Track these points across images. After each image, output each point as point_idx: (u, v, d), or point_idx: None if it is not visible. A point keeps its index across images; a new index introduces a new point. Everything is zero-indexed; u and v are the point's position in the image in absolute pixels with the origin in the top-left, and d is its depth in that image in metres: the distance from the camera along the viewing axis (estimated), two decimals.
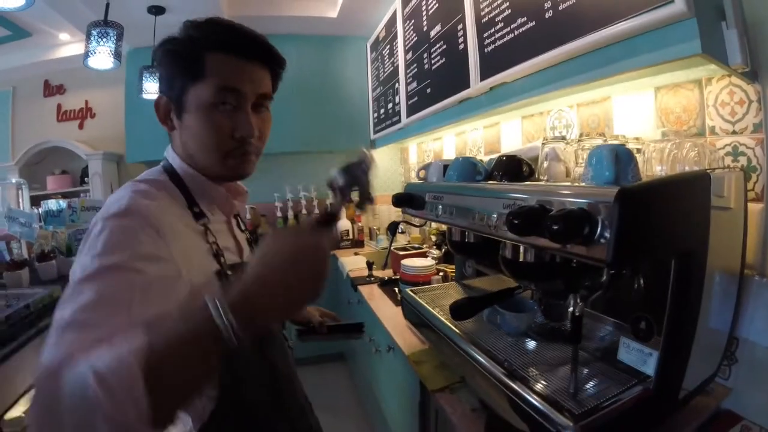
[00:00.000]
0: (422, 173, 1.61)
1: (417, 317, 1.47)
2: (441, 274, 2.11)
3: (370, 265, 2.50)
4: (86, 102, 3.99)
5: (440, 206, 1.20)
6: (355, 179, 0.86)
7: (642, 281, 0.92)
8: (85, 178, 3.75)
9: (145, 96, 2.99)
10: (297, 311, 0.77)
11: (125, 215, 0.69)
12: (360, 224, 3.71)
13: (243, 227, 1.05)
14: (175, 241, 0.73)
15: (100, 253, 0.65)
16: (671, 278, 0.78)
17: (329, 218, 0.77)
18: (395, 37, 2.86)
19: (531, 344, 1.11)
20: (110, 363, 0.49)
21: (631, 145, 0.97)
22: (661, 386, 0.83)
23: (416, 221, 1.52)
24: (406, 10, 2.61)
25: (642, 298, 0.91)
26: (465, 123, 2.30)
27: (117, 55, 2.26)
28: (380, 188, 3.96)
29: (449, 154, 2.91)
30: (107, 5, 2.16)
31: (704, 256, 0.82)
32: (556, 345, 1.08)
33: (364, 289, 2.31)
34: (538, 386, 0.88)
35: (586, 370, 0.94)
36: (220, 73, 0.80)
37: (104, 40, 2.22)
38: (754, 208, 1.06)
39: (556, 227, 0.65)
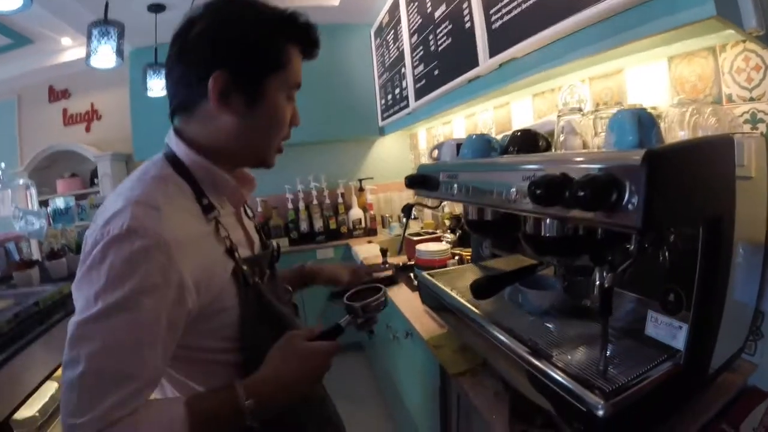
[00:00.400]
0: (435, 153, 1.59)
1: (435, 301, 1.45)
2: (456, 258, 2.09)
3: (384, 252, 2.48)
4: (92, 104, 4.02)
5: (455, 185, 1.16)
6: (370, 317, 0.98)
7: (666, 254, 0.89)
8: (95, 180, 3.78)
9: (150, 94, 2.99)
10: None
11: (128, 238, 0.65)
12: (372, 212, 3.72)
13: (251, 215, 1.02)
14: (186, 250, 0.70)
15: (103, 289, 0.63)
16: (700, 246, 0.76)
17: (336, 333, 0.89)
18: (399, 21, 2.82)
19: (554, 322, 1.08)
20: None
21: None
22: (692, 361, 0.81)
23: (430, 203, 1.49)
24: None
25: (667, 271, 0.88)
26: (475, 104, 2.27)
27: (119, 53, 2.27)
28: (390, 175, 3.98)
29: (460, 137, 2.86)
30: (106, 4, 2.16)
31: (732, 223, 0.80)
32: (580, 322, 1.06)
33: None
34: (565, 364, 0.86)
35: (613, 347, 0.92)
36: (294, 68, 0.83)
37: (105, 38, 2.22)
38: None
39: (582, 193, 0.62)
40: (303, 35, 0.84)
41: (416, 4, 2.47)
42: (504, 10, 1.55)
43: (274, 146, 0.87)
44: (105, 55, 2.24)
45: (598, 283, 0.81)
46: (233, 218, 0.90)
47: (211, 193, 0.82)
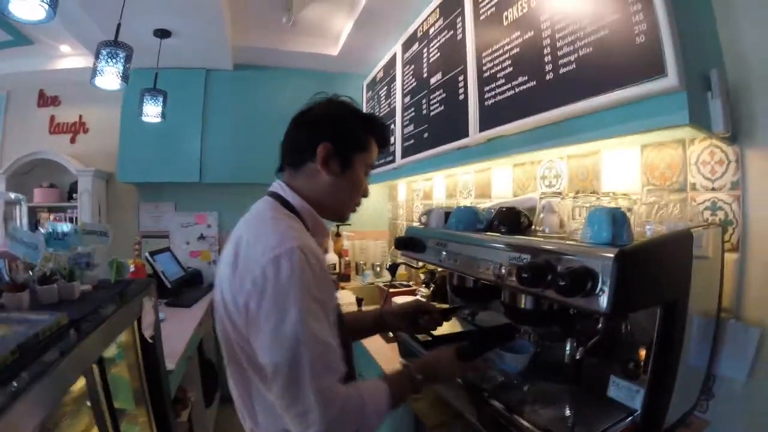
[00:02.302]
0: (423, 219, 1.72)
1: (414, 356, 1.56)
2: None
3: (359, 301, 2.59)
4: (80, 116, 3.99)
5: (444, 252, 1.33)
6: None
7: (629, 326, 1.06)
8: (74, 194, 3.72)
9: (144, 119, 3.01)
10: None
11: (305, 258, 0.90)
12: (347, 258, 3.77)
13: None
14: (324, 262, 0.99)
15: (302, 299, 0.88)
16: (657, 324, 0.93)
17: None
18: (393, 79, 3.02)
19: (527, 383, 1.23)
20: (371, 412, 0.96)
21: (621, 202, 1.13)
22: (648, 419, 0.97)
23: (415, 263, 1.64)
24: (407, 54, 2.77)
25: (628, 340, 1.05)
26: (458, 168, 2.42)
27: (125, 77, 2.31)
28: (368, 224, 4.07)
29: (439, 196, 3.05)
30: (118, 25, 2.22)
31: (686, 303, 0.97)
32: (549, 383, 1.21)
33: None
34: (537, 420, 1.00)
35: (579, 406, 1.07)
36: (371, 153, 1.19)
37: (113, 61, 2.25)
38: (730, 257, 1.21)
39: (563, 283, 0.78)
40: (379, 132, 1.22)
41: (413, 66, 2.66)
42: (498, 90, 1.73)
43: (352, 206, 1.21)
44: (110, 77, 2.28)
45: (568, 353, 0.96)
46: None
47: (313, 233, 1.08)
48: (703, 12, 1.23)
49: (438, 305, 1.80)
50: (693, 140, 1.32)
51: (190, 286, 3.41)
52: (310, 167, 1.11)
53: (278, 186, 1.14)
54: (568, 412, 0.97)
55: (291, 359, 0.87)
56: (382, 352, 1.96)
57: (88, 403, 1.40)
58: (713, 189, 1.27)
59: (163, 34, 2.94)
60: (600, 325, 0.96)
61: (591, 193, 1.24)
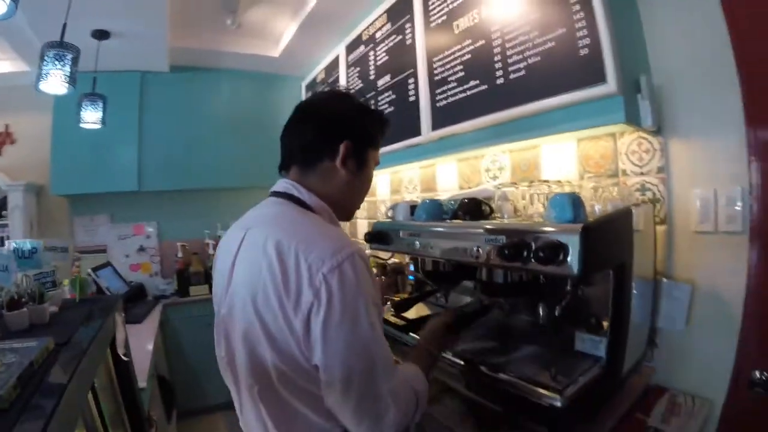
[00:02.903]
0: (390, 213, 1.88)
1: (391, 338, 1.73)
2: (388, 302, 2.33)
3: None
4: (6, 126, 3.74)
5: (417, 242, 1.49)
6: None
7: (584, 291, 1.31)
8: (2, 211, 3.45)
9: (83, 125, 2.90)
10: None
11: (357, 259, 0.89)
12: None
13: None
14: None
15: (368, 304, 0.88)
16: (612, 283, 1.17)
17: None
18: (336, 81, 3.19)
19: (500, 345, 1.46)
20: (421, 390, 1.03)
21: (567, 188, 1.38)
22: (611, 365, 1.21)
23: (384, 255, 1.79)
24: (351, 56, 2.94)
25: (586, 304, 1.30)
26: (404, 164, 2.60)
27: (72, 80, 2.19)
28: None
29: (383, 192, 3.22)
30: (64, 25, 2.11)
31: (631, 266, 1.22)
32: (522, 345, 1.43)
33: None
34: (522, 375, 1.21)
35: (555, 360, 1.29)
36: (379, 150, 1.20)
37: (60, 63, 2.13)
38: (660, 229, 1.50)
39: (542, 255, 0.99)
40: (386, 128, 1.21)
41: (358, 69, 2.84)
42: (450, 93, 1.95)
43: (360, 204, 1.21)
44: (56, 81, 2.15)
45: (543, 315, 1.18)
46: None
47: None
48: (635, 26, 1.50)
49: (396, 297, 2.00)
50: (623, 133, 1.59)
51: (134, 302, 3.33)
52: (325, 166, 1.08)
53: (290, 186, 1.08)
54: (546, 366, 1.19)
55: (365, 368, 0.87)
56: None
57: None
58: (642, 174, 1.54)
59: (101, 35, 2.86)
60: (568, 288, 1.19)
61: (542, 182, 1.46)
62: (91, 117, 2.90)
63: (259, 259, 0.91)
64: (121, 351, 1.63)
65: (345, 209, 1.15)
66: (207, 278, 3.66)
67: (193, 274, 3.66)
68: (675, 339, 1.47)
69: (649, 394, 1.44)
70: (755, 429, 1.26)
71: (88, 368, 1.12)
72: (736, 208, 1.32)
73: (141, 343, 2.44)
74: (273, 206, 1.08)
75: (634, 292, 1.28)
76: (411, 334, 1.57)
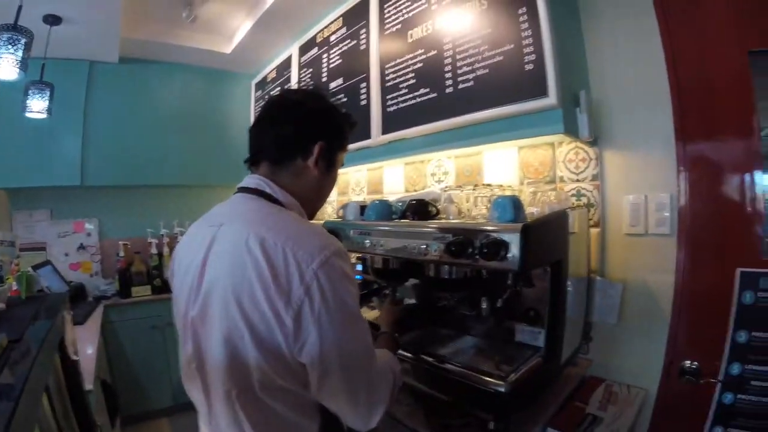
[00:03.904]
0: (340, 212, 1.94)
1: None
2: None
3: None
4: None
5: (368, 240, 1.57)
6: None
7: (522, 288, 1.44)
8: None
9: (29, 115, 2.76)
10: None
11: (346, 253, 0.95)
12: None
13: None
14: None
15: (354, 294, 0.93)
16: (549, 279, 1.31)
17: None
18: (288, 80, 3.25)
19: (445, 339, 1.57)
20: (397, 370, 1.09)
21: (508, 192, 1.51)
22: (550, 352, 1.34)
23: None
24: (304, 58, 3.02)
25: (525, 299, 1.45)
26: (352, 166, 2.72)
27: (24, 66, 2.14)
28: None
29: (360, 200, 3.23)
30: (19, 8, 2.06)
31: (567, 263, 1.35)
32: (464, 339, 1.56)
33: None
34: (468, 365, 1.33)
35: (498, 350, 1.42)
36: (345, 152, 1.21)
37: (13, 47, 2.08)
38: (594, 231, 1.67)
39: (485, 251, 1.11)
40: (352, 129, 1.22)
41: (310, 70, 2.92)
42: (400, 99, 2.07)
43: (323, 204, 1.22)
44: (7, 66, 2.09)
45: (485, 308, 1.30)
46: None
47: None
48: (578, 45, 1.68)
49: None
50: (561, 143, 1.75)
51: (75, 302, 3.23)
52: (298, 164, 1.08)
53: (261, 182, 1.08)
54: (490, 356, 1.31)
55: (359, 354, 0.93)
56: None
57: None
58: (578, 180, 1.71)
59: (54, 20, 2.72)
60: (509, 282, 1.32)
61: (485, 186, 1.60)
62: (37, 106, 2.78)
63: (243, 257, 0.90)
64: (71, 350, 1.62)
65: (310, 208, 1.16)
66: (150, 278, 3.61)
67: (135, 274, 3.58)
68: (609, 333, 1.64)
69: (587, 384, 1.60)
70: (688, 414, 1.41)
71: (43, 365, 1.10)
72: (665, 213, 1.50)
73: (83, 345, 2.37)
74: (246, 202, 1.05)
75: (570, 288, 1.42)
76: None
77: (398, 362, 1.15)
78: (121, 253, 3.65)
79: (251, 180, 1.09)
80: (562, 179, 1.77)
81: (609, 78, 1.64)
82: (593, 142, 1.65)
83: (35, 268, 3.04)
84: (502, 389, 1.19)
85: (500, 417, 1.24)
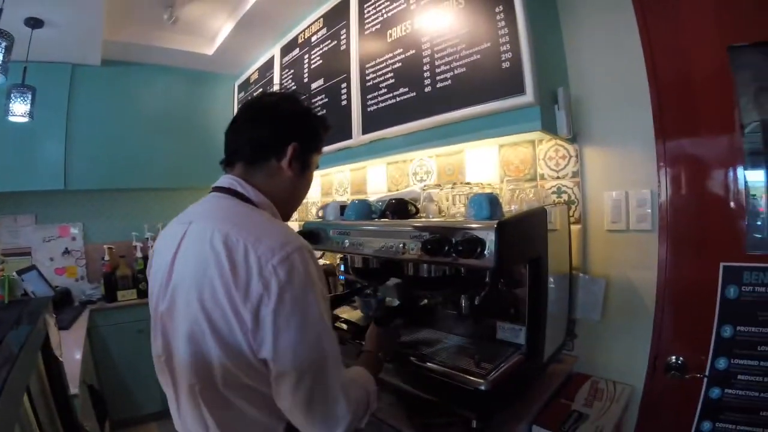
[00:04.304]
0: (320, 213, 1.94)
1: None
2: None
3: None
4: None
5: (347, 240, 1.56)
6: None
7: (503, 286, 1.45)
8: None
9: (11, 119, 2.76)
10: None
11: (303, 250, 0.91)
12: None
13: None
14: None
15: (317, 295, 0.90)
16: (527, 276, 1.31)
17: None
18: (270, 81, 3.24)
19: (426, 338, 1.57)
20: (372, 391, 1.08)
21: (488, 190, 1.50)
22: (531, 351, 1.34)
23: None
24: (286, 59, 3.00)
25: (505, 296, 1.44)
26: (335, 167, 2.70)
27: (4, 70, 2.14)
28: None
29: (314, 194, 3.30)
30: (0, 11, 2.06)
31: (546, 260, 1.35)
32: (447, 336, 1.56)
33: None
34: (448, 363, 1.32)
35: (478, 348, 1.41)
36: (320, 154, 1.24)
37: None
38: (575, 228, 1.67)
39: (461, 248, 1.11)
40: (326, 133, 1.25)
41: (292, 71, 2.91)
42: (380, 98, 2.06)
43: (299, 205, 1.25)
44: None
45: (465, 306, 1.29)
46: None
47: None
48: (556, 43, 1.68)
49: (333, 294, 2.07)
50: (541, 141, 1.75)
51: (60, 307, 3.22)
52: (272, 165, 1.10)
53: (234, 181, 1.09)
54: (470, 354, 1.31)
55: (317, 359, 0.89)
56: None
57: None
58: (558, 177, 1.71)
59: (35, 23, 2.72)
60: (487, 279, 1.32)
61: (464, 184, 1.59)
62: (19, 109, 2.77)
63: (206, 254, 0.91)
64: (58, 353, 1.62)
65: (285, 209, 1.17)
66: (135, 282, 3.58)
67: (120, 278, 3.54)
68: (593, 329, 1.64)
69: (572, 381, 1.60)
70: (674, 409, 1.42)
71: (23, 368, 1.10)
72: (647, 209, 1.50)
73: (69, 350, 2.38)
74: (217, 201, 1.07)
75: (552, 285, 1.42)
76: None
77: (374, 383, 1.12)
78: (106, 257, 3.62)
79: (225, 180, 1.11)
80: (542, 177, 1.77)
81: (588, 74, 1.65)
82: (573, 139, 1.65)
83: (20, 273, 3.03)
84: (483, 387, 1.19)
85: (482, 415, 1.24)
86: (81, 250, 3.83)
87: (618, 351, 1.60)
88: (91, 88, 3.49)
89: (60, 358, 1.62)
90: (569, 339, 1.67)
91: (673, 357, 1.41)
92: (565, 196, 1.70)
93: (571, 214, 1.67)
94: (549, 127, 1.51)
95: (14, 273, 2.97)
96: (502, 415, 1.30)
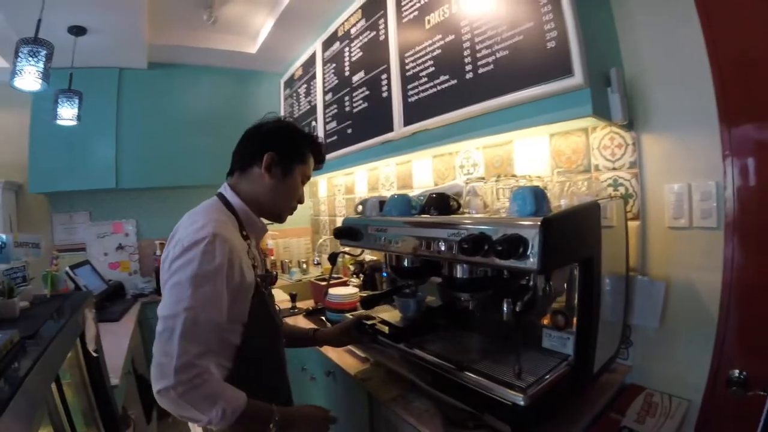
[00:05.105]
0: (359, 208, 1.86)
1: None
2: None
3: (293, 296, 2.70)
4: None
5: (384, 237, 1.48)
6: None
7: (551, 287, 1.28)
8: None
9: (59, 122, 2.89)
10: None
11: (213, 238, 1.11)
12: (272, 258, 3.83)
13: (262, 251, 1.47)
14: (237, 251, 1.18)
15: (197, 270, 1.08)
16: (577, 279, 1.16)
17: None
18: (313, 77, 3.18)
19: (467, 342, 1.44)
20: (230, 404, 1.08)
21: (536, 183, 1.36)
22: (579, 362, 1.20)
23: (355, 251, 1.78)
24: (327, 53, 2.94)
25: (551, 300, 1.28)
26: (380, 161, 2.61)
27: (46, 77, 2.20)
28: (290, 221, 4.13)
29: (361, 189, 3.24)
30: (39, 21, 2.13)
31: (599, 260, 1.20)
32: (490, 342, 1.43)
33: (289, 321, 2.48)
34: (487, 373, 1.20)
35: (521, 357, 1.27)
36: (308, 166, 1.42)
37: (34, 59, 2.15)
38: (633, 225, 1.49)
39: (500, 248, 0.97)
40: (317, 149, 1.45)
41: (334, 65, 2.83)
42: (421, 88, 1.95)
43: (287, 208, 1.41)
44: (30, 78, 2.16)
45: (506, 311, 1.16)
46: (255, 249, 1.39)
47: (248, 230, 1.32)
48: (606, 20, 1.50)
49: (370, 293, 2.00)
50: (595, 128, 1.58)
51: (112, 300, 3.29)
52: (255, 172, 1.33)
53: (224, 188, 1.36)
54: (517, 363, 1.17)
55: (173, 316, 1.06)
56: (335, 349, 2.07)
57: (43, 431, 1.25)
58: (614, 168, 1.54)
59: (78, 31, 2.83)
60: (531, 283, 1.18)
61: (510, 176, 1.46)
62: (67, 113, 2.90)
63: (172, 235, 1.21)
64: (91, 347, 1.63)
65: (271, 211, 1.39)
66: None
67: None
68: (651, 337, 1.47)
69: (625, 393, 1.43)
70: (733, 429, 1.24)
71: (51, 360, 1.14)
72: (712, 203, 1.31)
73: (117, 340, 2.41)
74: (205, 202, 1.34)
75: (607, 288, 1.27)
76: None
77: (236, 412, 1.09)
78: (158, 252, 3.71)
79: (221, 186, 1.39)
80: (597, 168, 1.59)
81: (644, 53, 1.45)
82: (629, 126, 1.47)
83: (73, 267, 3.11)
84: (521, 402, 1.06)
85: (518, 430, 1.11)
86: (134, 246, 3.93)
87: (676, 361, 1.41)
88: (139, 90, 3.59)
89: (93, 353, 1.64)
90: (624, 347, 1.50)
91: (736, 371, 1.20)
92: (621, 189, 1.52)
93: (628, 209, 1.49)
94: (601, 111, 1.35)
95: (67, 268, 3.04)
96: (544, 429, 1.16)
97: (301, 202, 1.45)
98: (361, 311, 1.88)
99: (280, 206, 1.40)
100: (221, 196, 1.34)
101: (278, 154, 1.33)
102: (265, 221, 1.42)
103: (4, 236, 1.72)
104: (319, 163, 1.49)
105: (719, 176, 1.29)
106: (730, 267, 1.27)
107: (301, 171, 1.39)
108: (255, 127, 1.40)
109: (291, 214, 1.45)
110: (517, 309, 1.13)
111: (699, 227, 1.35)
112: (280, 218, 1.42)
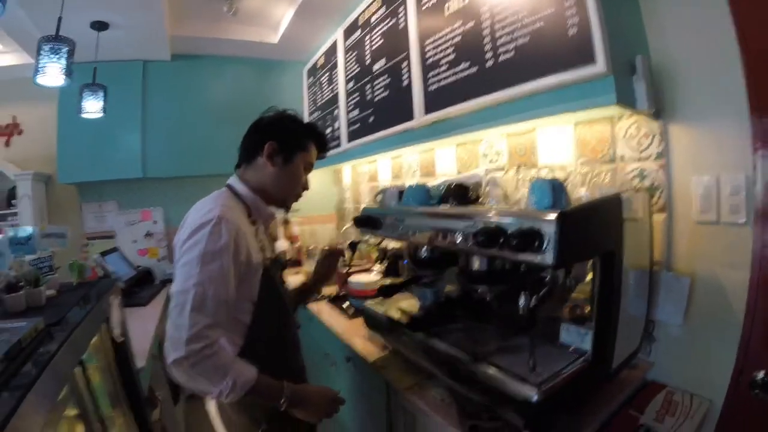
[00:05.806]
0: (378, 198, 1.87)
1: (380, 325, 1.73)
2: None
3: None
4: (13, 117, 3.77)
5: (401, 227, 1.47)
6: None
7: (571, 280, 1.25)
8: (12, 201, 3.55)
9: (84, 115, 2.96)
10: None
11: (219, 221, 1.20)
12: (298, 244, 3.86)
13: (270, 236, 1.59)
14: (245, 235, 1.27)
15: (204, 250, 1.16)
16: (597, 272, 1.12)
17: None
18: (335, 65, 3.15)
19: (483, 334, 1.41)
20: (240, 376, 1.15)
21: (558, 174, 1.31)
22: (597, 358, 1.15)
23: (372, 239, 1.78)
24: (348, 41, 2.91)
25: (570, 295, 1.25)
26: (403, 149, 2.57)
27: (68, 72, 2.23)
28: (315, 208, 4.21)
29: (385, 177, 3.24)
30: (59, 19, 2.15)
31: (621, 254, 1.16)
32: (507, 336, 1.38)
33: (312, 306, 2.54)
34: (502, 367, 1.17)
35: (537, 351, 1.24)
36: (311, 154, 1.49)
37: (56, 56, 2.18)
38: (658, 218, 1.42)
39: (515, 242, 0.94)
40: (318, 138, 1.52)
41: (355, 53, 2.80)
42: (441, 76, 1.90)
43: (292, 195, 1.50)
44: (53, 74, 2.20)
45: (523, 305, 1.13)
46: (263, 234, 1.48)
47: (255, 215, 1.41)
48: (631, 7, 1.42)
49: (392, 280, 1.98)
50: (620, 117, 1.51)
51: (141, 286, 3.33)
52: (259, 162, 1.41)
53: (232, 178, 1.46)
54: (531, 357, 1.13)
55: (183, 291, 1.13)
56: (346, 328, 2.11)
57: (69, 412, 1.31)
58: (640, 159, 1.47)
59: (100, 26, 2.88)
60: (548, 277, 1.14)
61: (530, 167, 1.41)
62: (92, 107, 2.97)
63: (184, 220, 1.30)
64: (116, 332, 1.67)
65: (276, 198, 1.47)
66: None
67: None
68: (674, 333, 1.41)
69: (646, 390, 1.38)
70: None
71: (75, 344, 1.19)
72: (741, 197, 1.24)
73: (144, 324, 2.47)
74: (217, 191, 1.41)
75: (630, 282, 1.23)
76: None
77: (245, 385, 1.16)
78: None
79: (231, 177, 1.47)
80: (622, 158, 1.53)
81: (671, 40, 1.38)
82: (657, 115, 1.40)
83: (104, 254, 3.18)
84: (534, 397, 1.03)
85: (531, 425, 1.09)
86: (162, 233, 3.98)
87: (699, 360, 1.35)
88: (163, 81, 3.64)
89: (117, 339, 1.68)
90: (647, 343, 1.45)
91: (761, 372, 1.14)
92: (648, 181, 1.45)
93: (654, 201, 1.43)
94: (626, 100, 1.29)
95: (96, 255, 3.11)
96: (560, 424, 1.14)
97: (306, 188, 1.52)
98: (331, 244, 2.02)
99: (285, 193, 1.47)
100: (230, 187, 1.43)
101: (279, 143, 1.40)
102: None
103: (30, 228, 1.78)
104: (322, 151, 1.55)
105: (749, 169, 1.21)
106: (758, 265, 1.19)
107: (302, 159, 1.46)
108: (257, 120, 1.48)
109: (296, 200, 1.52)
110: (534, 302, 1.10)
111: (727, 222, 1.28)
112: (285, 204, 1.51)
